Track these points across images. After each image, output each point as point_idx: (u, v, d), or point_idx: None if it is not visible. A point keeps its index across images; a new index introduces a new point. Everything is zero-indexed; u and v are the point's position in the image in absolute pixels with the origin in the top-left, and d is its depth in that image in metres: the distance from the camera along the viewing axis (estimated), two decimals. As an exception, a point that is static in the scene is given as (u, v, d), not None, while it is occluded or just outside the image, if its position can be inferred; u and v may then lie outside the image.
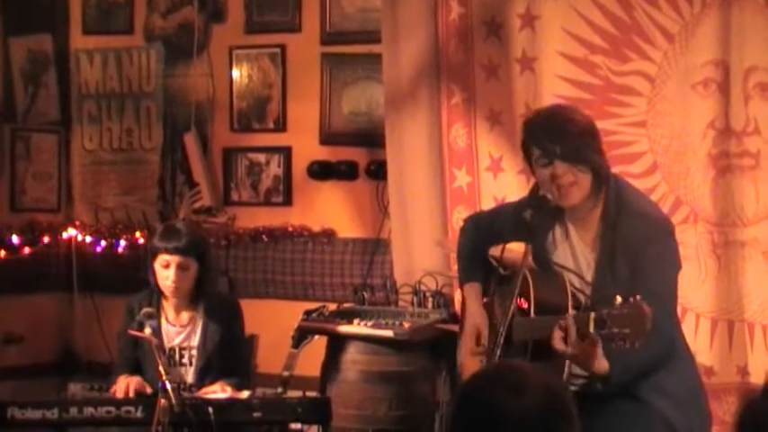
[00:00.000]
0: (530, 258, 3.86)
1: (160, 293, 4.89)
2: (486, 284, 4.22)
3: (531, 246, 3.86)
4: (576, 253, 3.94)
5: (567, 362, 3.65)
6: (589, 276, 3.88)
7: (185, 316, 4.93)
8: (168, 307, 4.92)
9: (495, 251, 4.27)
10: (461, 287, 4.37)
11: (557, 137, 3.81)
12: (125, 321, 4.89)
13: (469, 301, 4.26)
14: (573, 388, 3.67)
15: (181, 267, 4.80)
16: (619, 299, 3.40)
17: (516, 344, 3.81)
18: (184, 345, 4.92)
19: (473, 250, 4.33)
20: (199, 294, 4.91)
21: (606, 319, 3.41)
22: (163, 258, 4.81)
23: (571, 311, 3.73)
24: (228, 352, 4.90)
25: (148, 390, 4.64)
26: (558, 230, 3.98)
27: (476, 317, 4.18)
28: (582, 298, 3.87)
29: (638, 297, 3.37)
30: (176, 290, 4.83)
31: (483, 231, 4.30)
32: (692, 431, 3.86)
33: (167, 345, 4.89)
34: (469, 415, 2.46)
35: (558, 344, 3.54)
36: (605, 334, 3.42)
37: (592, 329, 3.45)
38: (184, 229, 4.89)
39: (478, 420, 2.43)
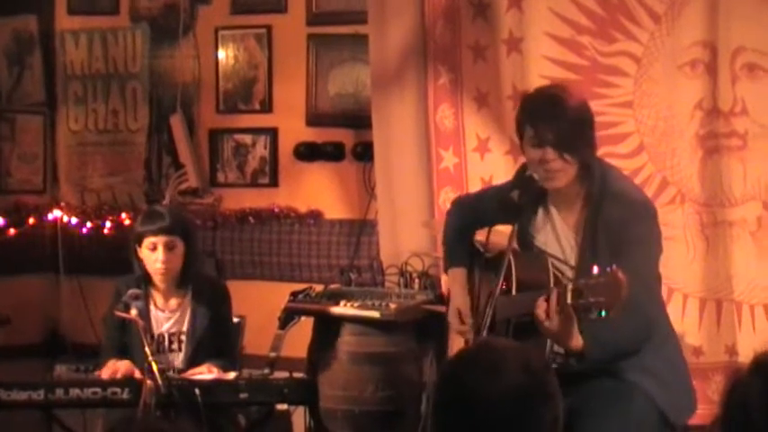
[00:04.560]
0: (515, 240, 3.86)
1: (148, 280, 4.87)
2: (471, 268, 4.24)
3: (517, 227, 3.87)
4: (558, 235, 3.95)
5: (549, 340, 3.65)
6: (572, 259, 3.89)
7: (174, 302, 4.92)
8: (156, 293, 4.91)
9: (480, 235, 4.28)
10: (446, 272, 4.38)
11: (553, 123, 3.79)
12: (111, 304, 4.86)
13: (452, 285, 4.27)
14: (554, 366, 3.66)
15: (168, 247, 4.78)
16: (596, 269, 3.39)
17: (499, 322, 3.81)
18: (173, 330, 4.90)
19: (457, 234, 4.34)
20: (186, 278, 4.90)
21: (583, 290, 3.41)
22: (149, 241, 4.79)
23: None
24: (217, 335, 4.90)
25: (137, 374, 4.61)
26: (540, 213, 3.99)
27: (457, 300, 4.20)
28: (564, 281, 3.86)
29: (614, 266, 3.35)
30: (166, 271, 4.81)
31: (467, 215, 4.31)
32: (677, 410, 3.89)
33: (156, 331, 4.88)
34: (447, 398, 2.47)
35: (540, 314, 3.54)
36: (582, 304, 3.42)
37: (569, 300, 3.45)
38: (166, 211, 4.89)
39: (455, 403, 2.43)
